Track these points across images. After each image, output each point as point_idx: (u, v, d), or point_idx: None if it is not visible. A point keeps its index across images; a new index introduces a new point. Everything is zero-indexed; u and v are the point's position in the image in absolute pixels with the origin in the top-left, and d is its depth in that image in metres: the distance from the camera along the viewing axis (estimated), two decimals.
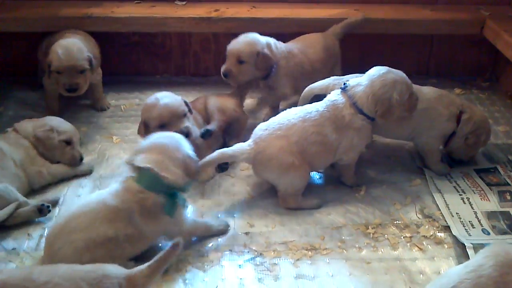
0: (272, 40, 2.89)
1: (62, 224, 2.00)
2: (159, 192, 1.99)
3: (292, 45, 3.00)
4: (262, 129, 2.44)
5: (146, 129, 2.47)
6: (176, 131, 2.30)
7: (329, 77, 2.80)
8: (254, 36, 2.84)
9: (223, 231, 2.28)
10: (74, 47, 2.84)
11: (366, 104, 2.38)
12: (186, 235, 2.09)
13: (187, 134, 2.37)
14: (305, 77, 2.95)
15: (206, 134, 2.56)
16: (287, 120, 2.42)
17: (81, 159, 2.64)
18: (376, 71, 2.44)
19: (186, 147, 2.10)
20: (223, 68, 2.81)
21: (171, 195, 2.02)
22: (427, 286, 1.81)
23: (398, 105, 2.39)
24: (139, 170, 2.01)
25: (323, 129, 2.40)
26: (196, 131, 2.53)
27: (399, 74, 2.44)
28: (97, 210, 1.98)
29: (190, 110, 2.53)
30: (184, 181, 2.04)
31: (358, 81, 2.44)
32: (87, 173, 2.65)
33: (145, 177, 1.99)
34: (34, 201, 2.37)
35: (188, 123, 2.46)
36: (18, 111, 3.12)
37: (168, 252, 1.70)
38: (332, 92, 2.49)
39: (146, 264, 1.69)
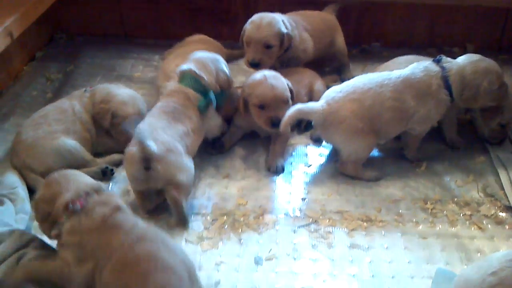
0: (281, 16, 2.80)
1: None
2: (197, 90, 2.38)
3: (294, 17, 2.92)
4: (335, 91, 2.41)
5: (245, 106, 2.48)
6: (270, 116, 2.39)
7: (330, 47, 3.03)
8: (271, 16, 2.71)
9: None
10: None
11: (455, 83, 2.35)
12: (218, 131, 2.55)
13: (277, 123, 2.36)
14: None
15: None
16: (362, 84, 2.39)
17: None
18: (468, 57, 2.41)
19: (223, 64, 2.54)
20: (250, 57, 2.68)
21: (205, 94, 2.39)
22: (467, 268, 1.77)
23: (485, 94, 2.36)
24: (183, 74, 2.42)
25: (402, 95, 2.35)
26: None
27: (491, 63, 2.40)
28: (163, 117, 2.27)
29: (292, 97, 2.47)
30: (216, 87, 2.45)
31: (453, 60, 2.41)
32: None
33: (189, 78, 2.40)
34: (100, 160, 2.47)
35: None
36: (88, 69, 3.23)
37: None
38: (420, 61, 2.44)
39: None
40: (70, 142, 2.39)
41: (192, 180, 2.22)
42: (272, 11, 3.34)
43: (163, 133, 2.19)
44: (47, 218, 1.79)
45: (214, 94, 2.44)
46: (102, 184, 1.89)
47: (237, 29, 3.58)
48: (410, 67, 2.42)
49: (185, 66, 2.44)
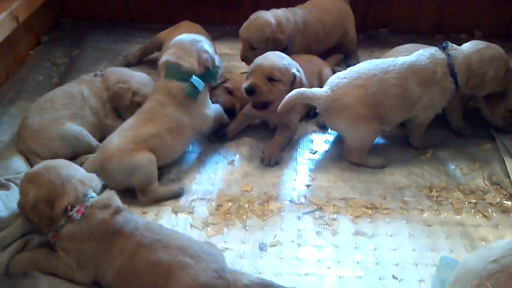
0: (283, 16, 2.76)
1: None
2: (180, 79, 2.32)
3: (307, 13, 2.89)
4: (340, 77, 2.39)
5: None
6: (244, 86, 2.41)
7: (342, 37, 2.96)
8: (263, 19, 2.70)
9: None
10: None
11: (461, 72, 2.34)
12: (212, 121, 2.46)
13: (249, 90, 2.39)
14: (319, 43, 2.92)
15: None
16: (367, 70, 2.37)
17: None
18: (473, 44, 2.39)
19: (204, 43, 2.43)
20: (240, 53, 2.78)
21: (191, 80, 2.32)
22: (469, 255, 1.77)
23: (491, 82, 2.35)
24: (164, 67, 2.36)
25: (406, 82, 2.34)
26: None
27: (497, 50, 2.39)
28: (137, 116, 2.32)
29: (292, 85, 2.42)
30: (199, 69, 2.36)
31: (459, 47, 2.39)
32: None
33: (169, 70, 2.35)
34: None
35: (268, 90, 2.39)
36: (93, 54, 3.23)
37: None
38: (426, 48, 2.43)
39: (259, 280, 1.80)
40: (76, 128, 2.39)
41: (144, 177, 2.20)
42: None
43: (117, 136, 2.25)
44: (48, 220, 1.79)
45: (199, 75, 2.36)
46: (95, 177, 1.90)
47: (242, 15, 3.56)
48: (416, 54, 2.41)
49: (163, 58, 2.39)
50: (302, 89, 2.35)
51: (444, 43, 2.41)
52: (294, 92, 2.31)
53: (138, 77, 2.62)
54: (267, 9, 3.46)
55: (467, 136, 2.59)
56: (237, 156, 2.50)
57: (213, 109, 2.49)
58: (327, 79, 2.60)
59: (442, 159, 2.47)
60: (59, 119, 2.38)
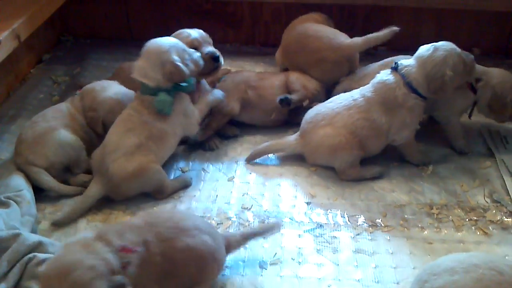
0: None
1: (102, 149, 2.29)
2: (152, 94, 2.27)
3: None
4: (307, 121, 2.49)
5: None
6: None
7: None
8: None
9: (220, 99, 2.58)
10: None
11: (421, 84, 2.33)
12: (197, 125, 2.45)
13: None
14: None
15: (284, 102, 2.65)
16: (330, 110, 2.43)
17: None
18: (424, 51, 2.36)
19: (172, 53, 2.28)
20: None
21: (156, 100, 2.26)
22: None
23: (451, 81, 2.31)
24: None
25: (370, 114, 2.37)
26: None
27: (447, 47, 2.34)
28: (121, 125, 2.29)
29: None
30: (166, 83, 2.27)
31: (410, 62, 2.38)
32: None
33: (142, 86, 2.30)
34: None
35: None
36: (94, 72, 3.24)
37: (266, 228, 2.02)
38: (380, 73, 2.44)
39: (241, 231, 2.02)
40: (71, 136, 2.41)
41: (156, 184, 2.30)
42: (277, 15, 3.35)
43: (111, 160, 2.23)
44: None
45: (168, 89, 2.28)
46: None
47: (243, 33, 3.60)
48: (370, 85, 2.43)
49: (132, 71, 2.31)
50: (271, 142, 2.53)
51: (394, 64, 2.41)
52: (263, 145, 2.54)
53: (107, 102, 2.49)
54: (267, 27, 3.51)
55: (467, 153, 2.59)
56: (236, 173, 2.50)
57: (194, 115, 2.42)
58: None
59: (442, 176, 2.47)
60: (51, 127, 2.40)
